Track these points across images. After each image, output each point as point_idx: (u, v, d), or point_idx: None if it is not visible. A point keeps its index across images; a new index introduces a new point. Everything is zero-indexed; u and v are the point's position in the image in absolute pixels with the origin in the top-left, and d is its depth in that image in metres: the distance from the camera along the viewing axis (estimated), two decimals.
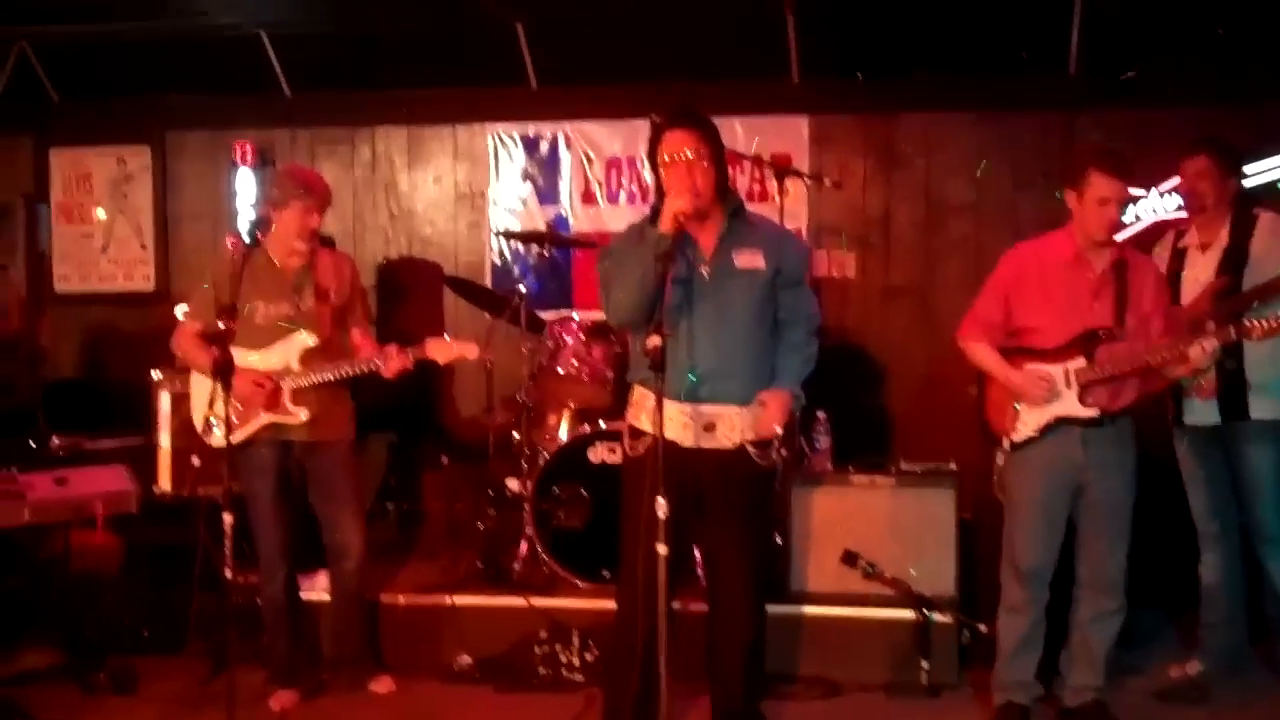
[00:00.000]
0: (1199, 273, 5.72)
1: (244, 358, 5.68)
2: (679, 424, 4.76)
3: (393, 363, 5.70)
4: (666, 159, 4.77)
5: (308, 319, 5.81)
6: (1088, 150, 5.44)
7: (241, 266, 5.47)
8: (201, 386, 5.81)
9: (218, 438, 5.63)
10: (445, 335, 5.94)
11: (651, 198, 4.97)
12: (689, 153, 4.73)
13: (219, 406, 5.20)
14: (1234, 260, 5.62)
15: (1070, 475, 5.25)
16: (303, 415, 5.75)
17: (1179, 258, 5.83)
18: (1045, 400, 5.19)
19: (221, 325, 5.19)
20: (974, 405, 5.51)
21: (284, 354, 5.77)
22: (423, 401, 6.10)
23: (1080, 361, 5.19)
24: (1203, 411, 5.69)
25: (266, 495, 5.81)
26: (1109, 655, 5.43)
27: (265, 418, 5.75)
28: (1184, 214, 7.06)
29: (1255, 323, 4.98)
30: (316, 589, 6.33)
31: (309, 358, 5.78)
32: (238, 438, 5.72)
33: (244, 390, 5.65)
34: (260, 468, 5.80)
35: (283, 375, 5.75)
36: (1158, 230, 7.47)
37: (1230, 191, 5.74)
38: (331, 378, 5.76)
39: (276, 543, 5.85)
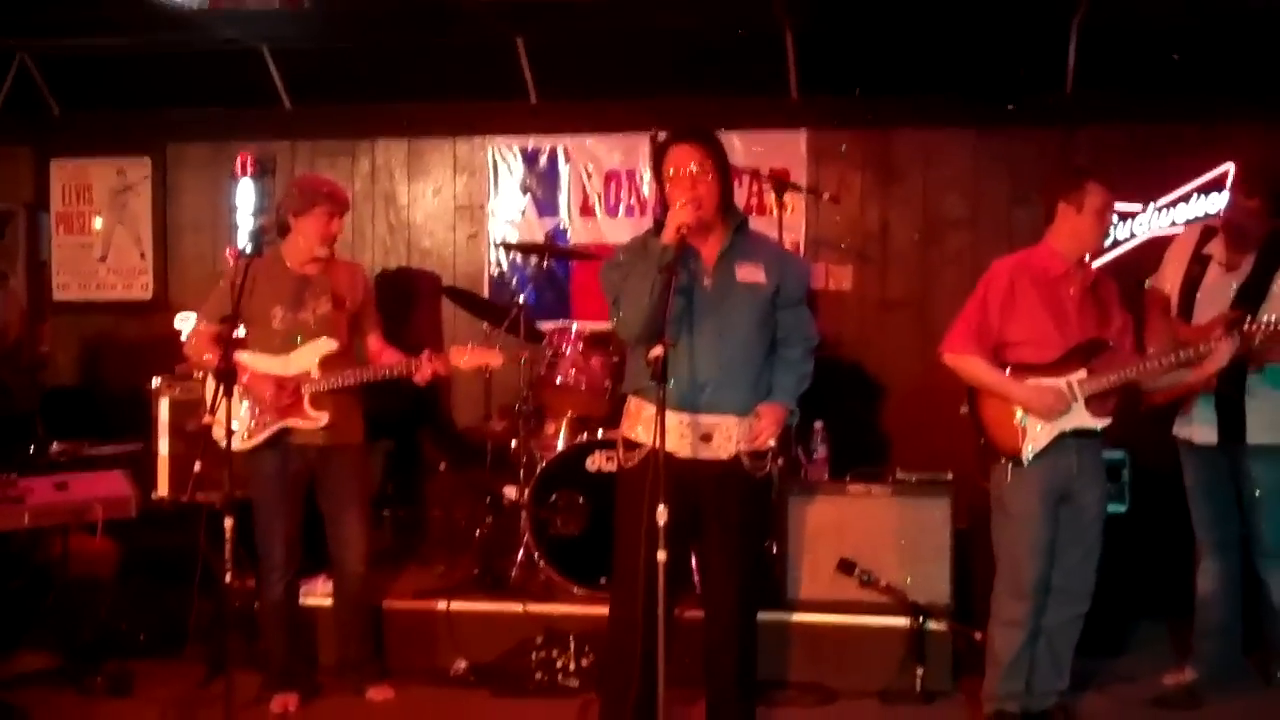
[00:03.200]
0: (1217, 294, 5.72)
1: (263, 362, 5.78)
2: (676, 434, 4.76)
3: (426, 368, 5.77)
4: (671, 173, 4.81)
5: (325, 325, 5.86)
6: (1077, 165, 5.49)
7: (245, 275, 5.47)
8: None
9: (233, 443, 5.68)
10: (470, 344, 5.99)
11: (650, 210, 4.99)
12: (694, 166, 4.77)
13: (222, 412, 5.24)
14: (1254, 293, 5.62)
15: (1062, 485, 5.28)
16: (322, 420, 5.79)
17: (1201, 263, 5.83)
18: (1060, 413, 5.20)
19: (233, 332, 5.30)
20: (968, 421, 5.47)
21: (304, 359, 5.82)
22: (421, 409, 6.12)
23: (1081, 373, 5.23)
24: (1201, 431, 5.74)
25: (276, 499, 5.83)
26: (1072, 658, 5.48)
27: (282, 422, 5.78)
28: (1176, 230, 7.19)
29: (1254, 327, 5.11)
30: (315, 594, 6.36)
31: (328, 363, 5.83)
32: (254, 442, 5.79)
33: (265, 395, 5.73)
34: (272, 472, 5.83)
35: (303, 380, 5.78)
36: (1154, 246, 7.56)
37: (1268, 228, 5.74)
38: (354, 382, 5.81)
39: (282, 547, 5.86)
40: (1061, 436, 5.23)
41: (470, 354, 5.86)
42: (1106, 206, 5.30)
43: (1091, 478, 5.35)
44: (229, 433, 5.27)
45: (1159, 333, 5.79)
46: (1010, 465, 5.28)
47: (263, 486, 5.85)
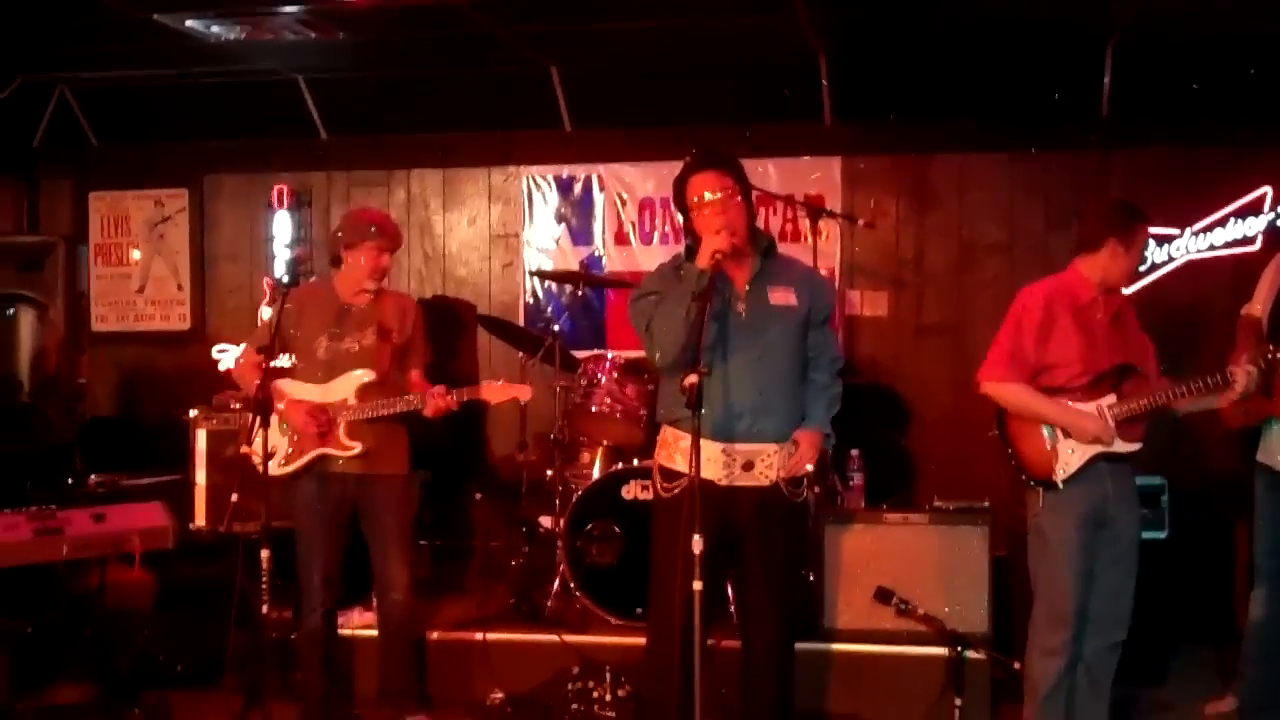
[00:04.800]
0: None
1: (304, 390, 5.81)
2: (717, 463, 4.77)
3: (434, 402, 5.75)
4: (696, 200, 4.80)
5: (368, 355, 5.87)
6: (1130, 204, 5.45)
7: (282, 306, 5.62)
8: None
9: (272, 469, 5.74)
10: (501, 379, 5.99)
11: (684, 238, 4.97)
12: (717, 193, 4.76)
13: (258, 441, 5.34)
14: None
15: (1100, 510, 5.22)
16: (356, 449, 5.79)
17: None
18: (1106, 440, 5.16)
19: (270, 362, 5.38)
20: (1000, 446, 5.41)
21: (341, 388, 5.83)
22: (458, 439, 6.12)
23: (1111, 398, 5.19)
24: (1277, 458, 5.63)
25: (315, 527, 5.83)
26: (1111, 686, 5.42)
27: (318, 450, 5.79)
28: (1214, 254, 7.14)
29: (1274, 355, 5.07)
30: (352, 625, 6.37)
31: (365, 393, 5.83)
32: (290, 468, 5.81)
33: (299, 422, 5.74)
34: (310, 499, 5.83)
35: (340, 409, 5.80)
36: (1191, 269, 7.53)
37: None
38: (382, 413, 5.80)
39: (320, 575, 5.84)
40: (1093, 461, 5.19)
41: (500, 388, 5.90)
42: (1144, 245, 5.42)
43: (1126, 502, 5.30)
44: (266, 462, 5.32)
45: (1242, 356, 5.68)
46: (1044, 491, 5.24)
47: (301, 514, 5.86)
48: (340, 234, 5.95)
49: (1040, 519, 5.28)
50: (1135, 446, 5.21)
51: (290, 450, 5.81)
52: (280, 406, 5.73)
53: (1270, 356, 5.10)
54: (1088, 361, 5.22)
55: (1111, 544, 5.27)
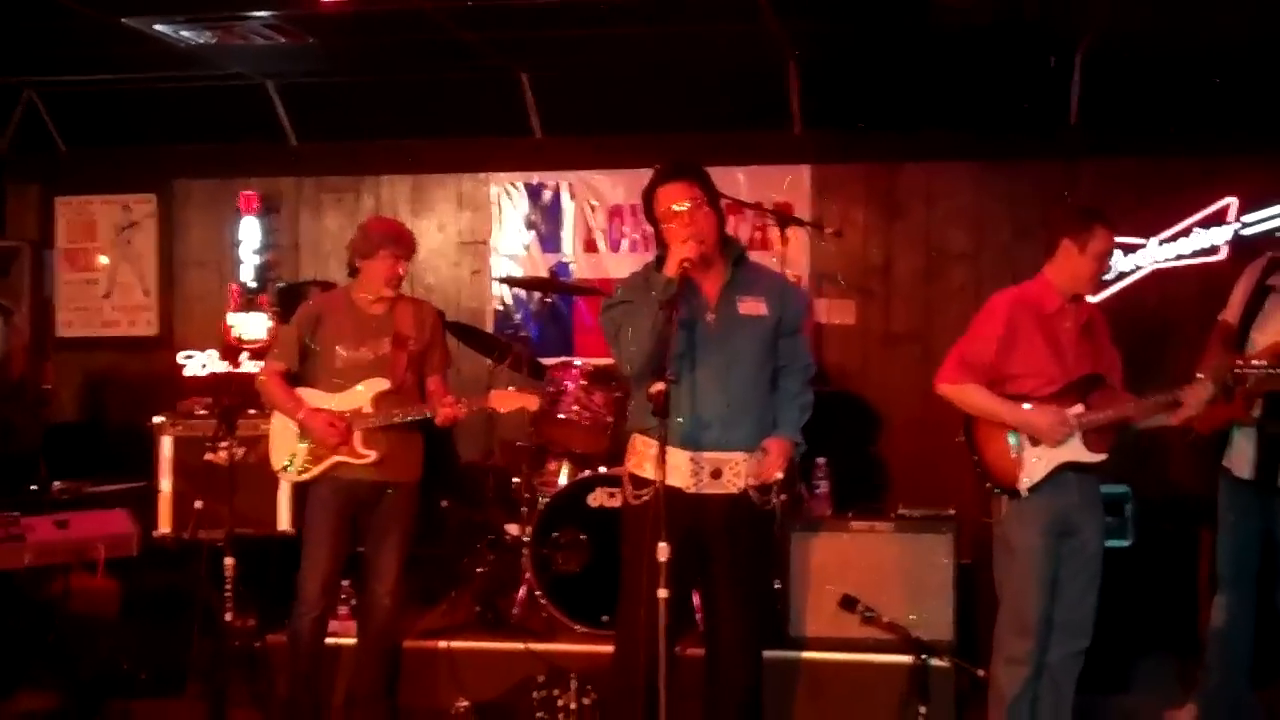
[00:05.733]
0: (1268, 324, 5.60)
1: (320, 398, 5.88)
2: (685, 470, 4.78)
3: (445, 410, 5.81)
4: (664, 211, 4.82)
5: (383, 363, 5.92)
6: (1087, 206, 5.46)
7: (238, 305, 5.65)
8: (282, 426, 5.97)
9: (290, 476, 5.94)
10: (509, 387, 6.01)
11: (654, 246, 4.98)
12: (685, 203, 4.78)
13: (285, 449, 5.62)
14: None
15: (1064, 519, 5.23)
16: (372, 456, 5.85)
17: (1263, 293, 5.71)
18: (1064, 435, 5.14)
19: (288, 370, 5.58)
20: (967, 452, 5.41)
21: (358, 396, 5.88)
22: (424, 445, 6.13)
23: (1079, 408, 5.19)
24: (1239, 464, 5.65)
25: (324, 531, 5.88)
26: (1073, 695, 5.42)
27: (335, 457, 5.85)
28: (1180, 264, 7.17)
29: (1244, 368, 5.07)
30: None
31: (381, 401, 5.88)
32: (308, 476, 5.90)
33: (318, 430, 5.80)
34: (323, 503, 5.90)
35: (355, 417, 5.84)
36: (1157, 278, 7.57)
37: None
38: (398, 421, 5.86)
39: (322, 579, 5.88)
40: (1060, 469, 5.20)
41: (510, 396, 5.97)
42: (1108, 251, 5.30)
43: (1091, 511, 5.31)
44: (231, 468, 5.33)
45: (1209, 363, 5.68)
46: (1008, 499, 5.24)
47: (311, 519, 5.95)
48: (356, 244, 5.99)
49: (1005, 527, 5.28)
50: (1102, 457, 5.21)
51: (308, 458, 5.89)
52: (300, 416, 5.81)
53: (1234, 371, 5.12)
54: (1054, 370, 5.22)
55: (1076, 552, 5.27)
